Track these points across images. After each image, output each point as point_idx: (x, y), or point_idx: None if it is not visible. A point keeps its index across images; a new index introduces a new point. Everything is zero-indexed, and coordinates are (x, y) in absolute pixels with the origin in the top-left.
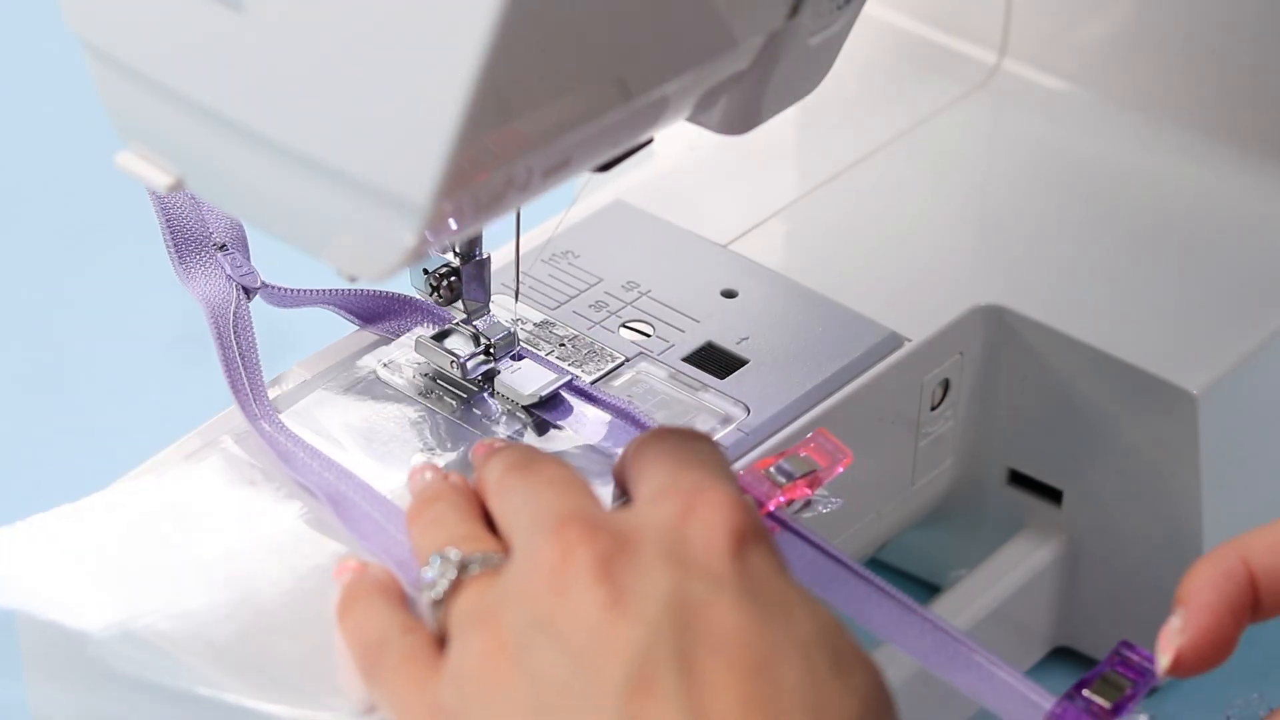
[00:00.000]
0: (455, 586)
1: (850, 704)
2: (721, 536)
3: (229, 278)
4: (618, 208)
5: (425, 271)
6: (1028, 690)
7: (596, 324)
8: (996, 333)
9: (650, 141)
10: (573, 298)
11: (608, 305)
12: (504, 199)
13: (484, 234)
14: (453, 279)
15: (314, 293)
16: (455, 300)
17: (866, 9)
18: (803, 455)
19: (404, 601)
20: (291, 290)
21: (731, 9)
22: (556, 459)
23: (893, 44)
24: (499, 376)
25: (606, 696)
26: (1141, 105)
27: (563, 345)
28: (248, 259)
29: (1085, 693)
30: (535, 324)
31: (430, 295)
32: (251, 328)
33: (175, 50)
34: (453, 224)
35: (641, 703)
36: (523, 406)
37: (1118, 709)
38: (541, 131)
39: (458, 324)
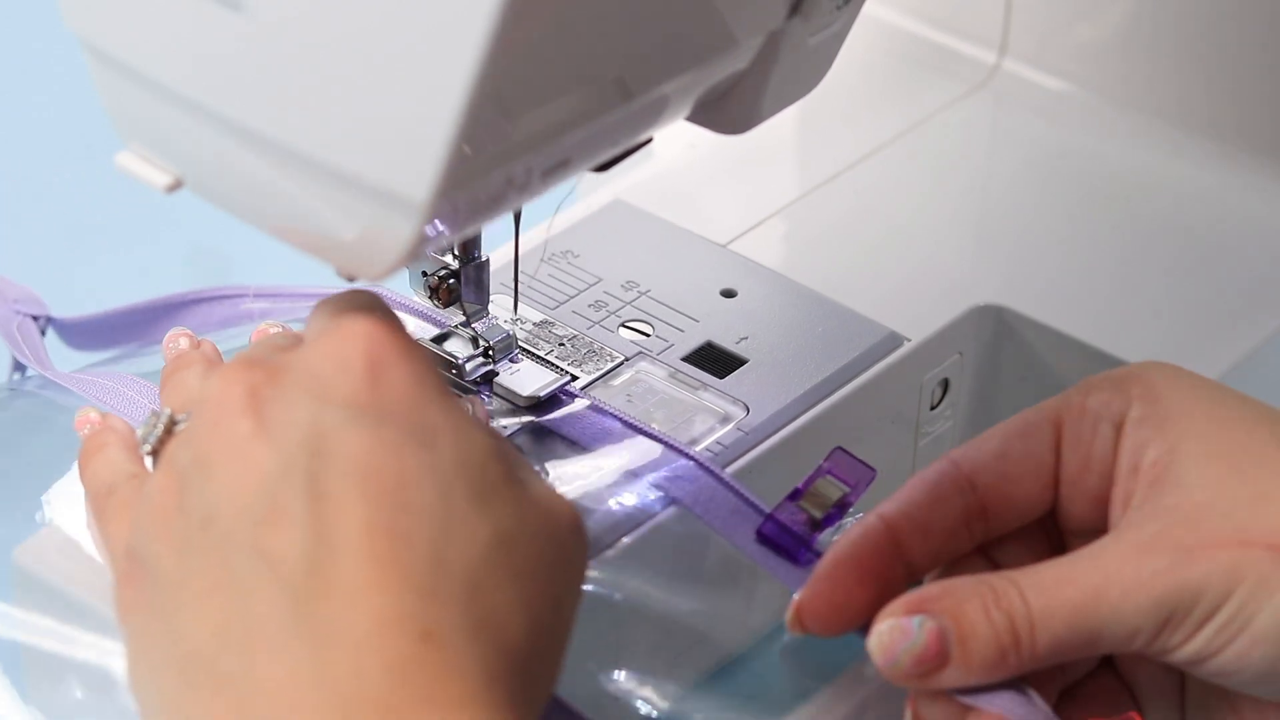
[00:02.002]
0: (165, 439)
1: (482, 531)
2: (357, 361)
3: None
4: (617, 207)
5: (424, 274)
6: (742, 500)
7: (596, 324)
8: (996, 333)
9: (650, 141)
10: (572, 297)
11: (607, 305)
12: (504, 199)
13: (483, 235)
14: (451, 281)
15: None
16: (454, 303)
17: (866, 9)
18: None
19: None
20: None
21: (731, 9)
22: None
23: (893, 44)
24: (498, 378)
25: (239, 528)
26: (1141, 105)
27: (562, 345)
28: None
29: (794, 504)
30: (535, 324)
31: (429, 298)
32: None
33: (175, 50)
34: (452, 223)
35: (269, 532)
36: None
37: (827, 521)
38: (541, 131)
39: (456, 327)
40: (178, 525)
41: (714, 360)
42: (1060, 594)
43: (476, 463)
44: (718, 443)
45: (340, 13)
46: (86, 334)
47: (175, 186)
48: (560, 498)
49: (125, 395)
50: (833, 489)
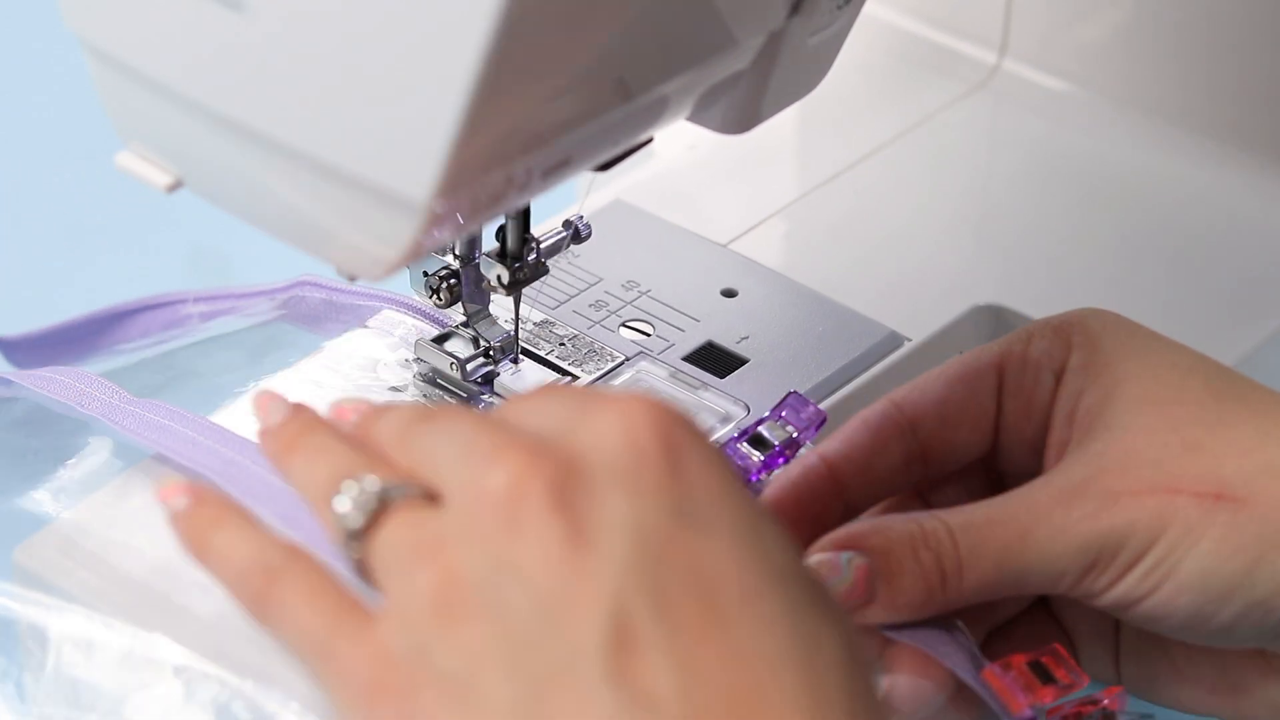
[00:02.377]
0: (376, 518)
1: (836, 637)
2: (653, 446)
3: None
4: (618, 207)
5: (425, 274)
6: None
7: (597, 323)
8: (996, 333)
9: (650, 141)
10: (573, 297)
11: (608, 305)
12: (504, 198)
13: (484, 234)
14: (452, 281)
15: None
16: (455, 303)
17: (866, 9)
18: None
19: (258, 522)
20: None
21: (731, 9)
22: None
23: (893, 44)
24: (499, 379)
25: (588, 654)
26: (1141, 105)
27: (563, 345)
28: None
29: (740, 445)
30: (535, 324)
31: (430, 297)
32: None
33: (175, 50)
34: (452, 223)
35: (627, 661)
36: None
37: (771, 460)
38: (541, 131)
39: (457, 327)
40: (489, 633)
41: (715, 360)
42: (988, 534)
43: (793, 560)
44: (717, 442)
45: (341, 13)
46: (31, 350)
47: (175, 186)
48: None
49: (94, 396)
50: (781, 431)
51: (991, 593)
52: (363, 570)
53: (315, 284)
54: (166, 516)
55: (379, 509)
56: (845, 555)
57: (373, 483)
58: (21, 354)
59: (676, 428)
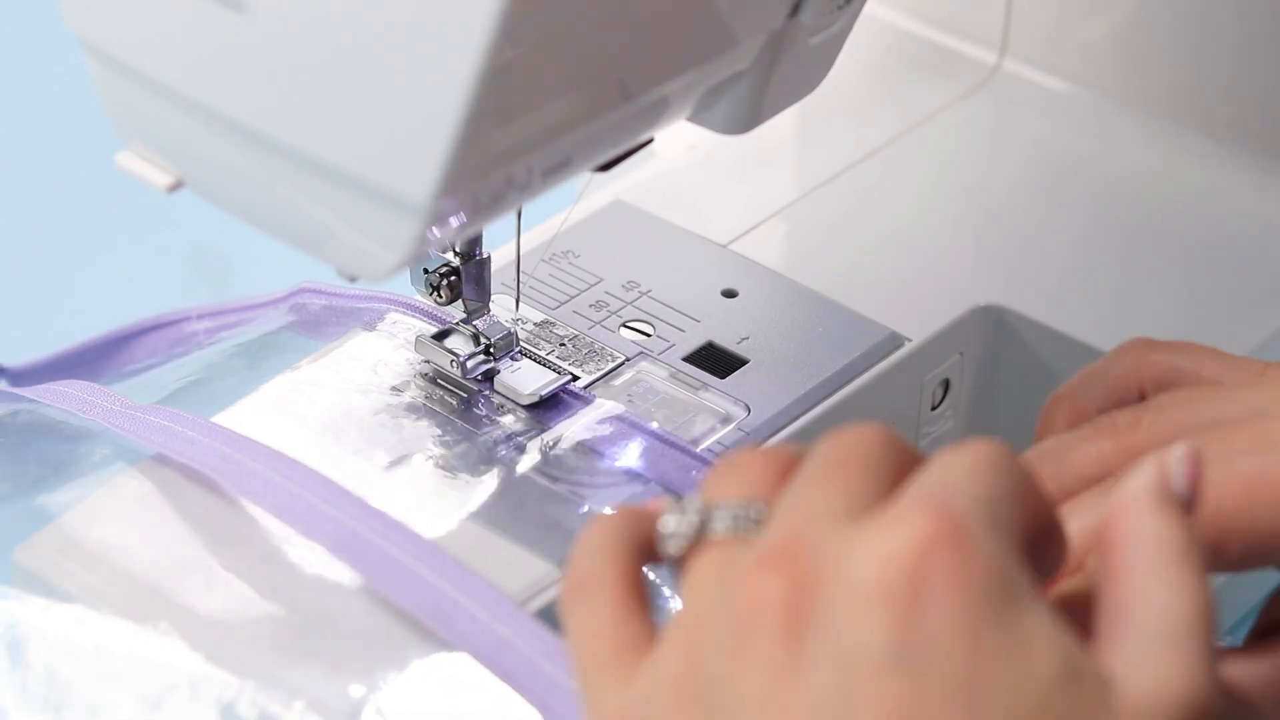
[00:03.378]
0: (698, 544)
1: None
2: (903, 579)
3: None
4: (618, 208)
5: (425, 271)
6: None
7: (597, 324)
8: (996, 333)
9: (650, 141)
10: (573, 297)
11: (608, 305)
12: (504, 199)
13: (484, 234)
14: (453, 279)
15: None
16: (455, 300)
17: (866, 9)
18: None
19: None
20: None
21: (732, 9)
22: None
23: (893, 44)
24: (499, 376)
25: None
26: (1141, 105)
27: (563, 345)
28: None
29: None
30: (535, 324)
31: (430, 295)
32: None
33: (175, 50)
34: (453, 223)
35: None
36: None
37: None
38: (541, 131)
39: (457, 324)
40: None
41: (715, 360)
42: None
43: (1029, 709)
44: (719, 443)
45: (341, 13)
46: (36, 379)
47: (175, 186)
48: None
49: (96, 404)
50: None
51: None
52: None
53: (315, 290)
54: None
55: (700, 533)
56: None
57: (695, 502)
58: (26, 382)
59: (945, 556)
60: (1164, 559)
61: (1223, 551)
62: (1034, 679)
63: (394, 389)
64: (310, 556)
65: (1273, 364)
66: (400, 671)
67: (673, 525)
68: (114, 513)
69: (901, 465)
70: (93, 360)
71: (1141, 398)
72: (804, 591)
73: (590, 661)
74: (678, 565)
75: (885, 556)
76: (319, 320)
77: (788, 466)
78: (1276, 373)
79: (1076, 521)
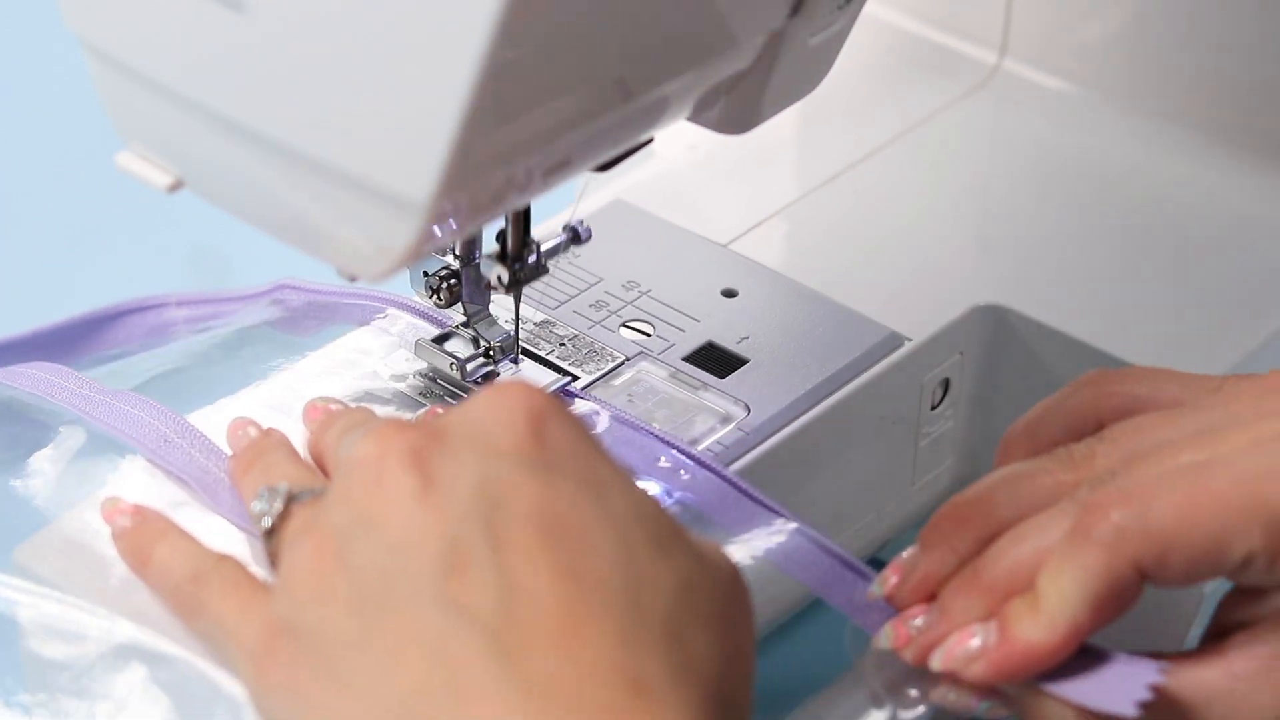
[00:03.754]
0: (284, 515)
1: (669, 578)
2: (519, 415)
3: None
4: (618, 208)
5: (425, 274)
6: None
7: (597, 323)
8: (996, 333)
9: (650, 141)
10: (573, 297)
11: (608, 305)
12: (504, 199)
13: (484, 234)
14: (452, 281)
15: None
16: (455, 303)
17: (866, 9)
18: None
19: (193, 537)
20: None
21: (732, 9)
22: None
23: (893, 44)
24: (499, 378)
25: (424, 581)
26: (1141, 105)
27: (563, 345)
28: None
29: None
30: (535, 324)
31: (430, 297)
32: None
33: (175, 50)
34: (452, 224)
35: (456, 583)
36: None
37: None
38: (541, 131)
39: (457, 327)
40: (346, 586)
41: (715, 360)
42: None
43: (650, 514)
44: (719, 443)
45: (341, 13)
46: (11, 357)
47: (175, 186)
48: (719, 549)
49: (62, 386)
50: None
51: None
52: (274, 564)
53: (296, 286)
54: (111, 534)
55: (284, 509)
56: (984, 705)
57: (283, 486)
58: (2, 359)
59: (543, 403)
60: None
61: (1166, 567)
62: (644, 502)
63: (393, 388)
64: None
65: (1230, 377)
66: None
67: (262, 506)
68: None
69: None
70: (69, 339)
71: (1099, 429)
72: (423, 438)
73: (224, 623)
74: (270, 538)
75: (494, 404)
76: (299, 316)
77: (314, 440)
78: (1233, 386)
79: (1029, 544)
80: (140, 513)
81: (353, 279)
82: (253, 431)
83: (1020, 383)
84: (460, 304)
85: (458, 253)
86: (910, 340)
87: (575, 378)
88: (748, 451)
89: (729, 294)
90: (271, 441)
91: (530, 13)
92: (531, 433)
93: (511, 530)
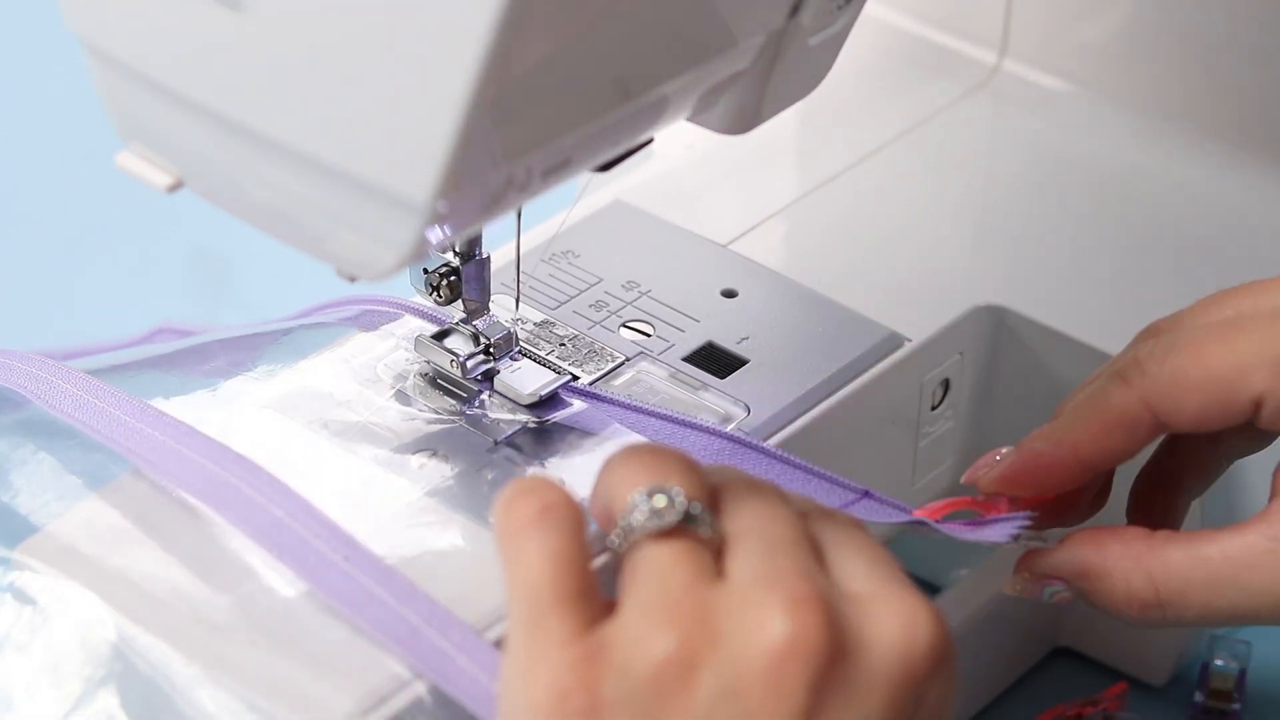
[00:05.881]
0: (664, 532)
1: None
2: (923, 659)
3: None
4: (618, 208)
5: (425, 271)
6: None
7: (597, 324)
8: (996, 333)
9: (650, 141)
10: (573, 297)
11: (608, 305)
12: (504, 199)
13: (484, 234)
14: (453, 279)
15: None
16: (455, 300)
17: (866, 9)
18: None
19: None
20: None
21: (732, 9)
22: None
23: (893, 44)
24: (499, 376)
25: None
26: (1141, 105)
27: (563, 345)
28: None
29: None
30: (535, 324)
31: (430, 295)
32: None
33: (175, 50)
34: (452, 224)
35: None
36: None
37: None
38: (541, 131)
39: (457, 323)
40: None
41: (715, 360)
42: (1192, 583)
43: None
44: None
45: (341, 13)
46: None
47: (175, 186)
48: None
49: (44, 379)
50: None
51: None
52: (615, 565)
53: (174, 330)
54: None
55: (677, 523)
56: (1048, 590)
57: (680, 497)
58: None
59: (944, 652)
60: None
61: (1179, 409)
62: None
63: (393, 389)
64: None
65: None
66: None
67: (663, 502)
68: (114, 514)
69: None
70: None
71: None
72: (836, 653)
73: (548, 593)
74: (630, 537)
75: (909, 643)
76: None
77: (690, 462)
78: None
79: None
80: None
81: (352, 279)
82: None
83: (1020, 383)
84: (460, 301)
85: (458, 249)
86: (910, 340)
87: (575, 378)
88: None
89: (729, 294)
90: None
91: (530, 12)
92: (915, 686)
93: None
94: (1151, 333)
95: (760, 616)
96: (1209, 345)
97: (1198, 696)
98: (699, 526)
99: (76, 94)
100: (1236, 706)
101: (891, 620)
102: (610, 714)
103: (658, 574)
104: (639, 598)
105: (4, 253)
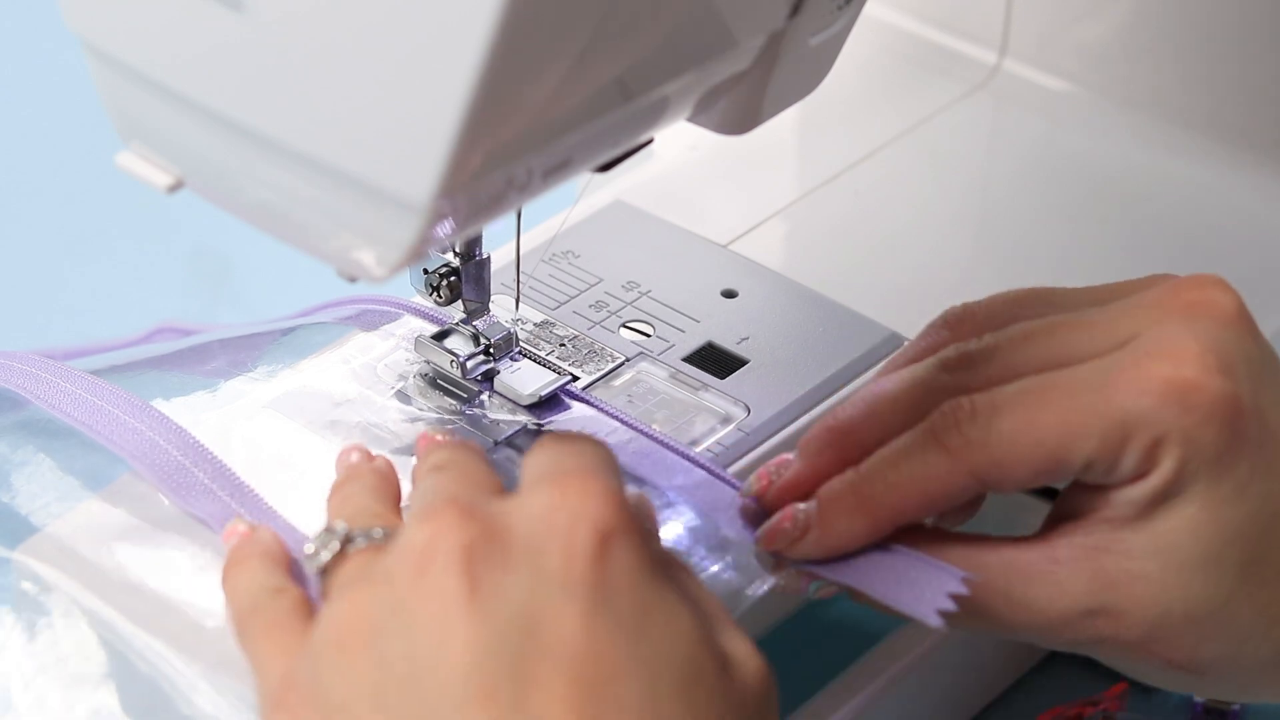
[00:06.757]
0: (339, 558)
1: None
2: (584, 533)
3: None
4: (618, 208)
5: (425, 271)
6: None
7: (597, 324)
8: None
9: (650, 141)
10: (573, 298)
11: (608, 305)
12: (504, 199)
13: (484, 234)
14: (453, 279)
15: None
16: (455, 300)
17: (866, 9)
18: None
19: (286, 566)
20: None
21: (732, 9)
22: (483, 456)
23: (893, 44)
24: (499, 376)
25: (445, 695)
26: (1141, 105)
27: (563, 345)
28: None
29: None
30: (535, 324)
31: (430, 295)
32: None
33: (175, 50)
34: (452, 224)
35: (476, 708)
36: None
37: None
38: (541, 131)
39: (457, 324)
40: (369, 672)
41: (715, 361)
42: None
43: (683, 653)
44: (719, 443)
45: (342, 13)
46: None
47: (175, 186)
48: (755, 655)
49: (44, 379)
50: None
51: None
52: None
53: (173, 329)
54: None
55: (341, 551)
56: (813, 585)
57: (341, 527)
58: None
59: (613, 520)
60: None
61: (1007, 479)
62: (683, 636)
63: (393, 389)
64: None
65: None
66: None
67: (314, 547)
68: (113, 515)
69: (490, 474)
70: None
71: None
72: (481, 536)
73: (257, 655)
74: (322, 576)
75: (562, 515)
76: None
77: (395, 487)
78: (1119, 301)
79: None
80: (248, 534)
81: (352, 279)
82: (355, 458)
83: None
84: (460, 301)
85: (458, 250)
86: (910, 340)
87: (575, 378)
88: (748, 452)
89: (729, 294)
90: (362, 469)
91: (530, 13)
92: (591, 557)
93: (541, 668)
94: (963, 362)
95: (403, 538)
96: (1040, 414)
97: (1197, 697)
98: (357, 540)
99: (76, 94)
100: (1236, 707)
101: (539, 498)
102: (306, 700)
103: (332, 591)
104: (319, 614)
105: (4, 253)
